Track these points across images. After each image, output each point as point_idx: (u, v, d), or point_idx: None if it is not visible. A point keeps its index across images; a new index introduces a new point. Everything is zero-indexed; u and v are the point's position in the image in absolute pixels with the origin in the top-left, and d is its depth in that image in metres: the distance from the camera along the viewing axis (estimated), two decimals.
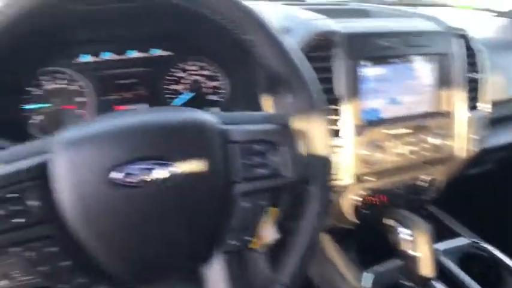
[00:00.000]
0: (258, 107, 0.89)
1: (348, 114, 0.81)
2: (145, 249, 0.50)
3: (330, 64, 0.80)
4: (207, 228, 0.52)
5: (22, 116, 0.84)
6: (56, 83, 0.86)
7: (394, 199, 0.95)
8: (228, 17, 0.51)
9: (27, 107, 0.84)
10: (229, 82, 0.96)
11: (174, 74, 0.93)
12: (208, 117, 0.52)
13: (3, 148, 0.47)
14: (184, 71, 0.94)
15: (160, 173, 0.47)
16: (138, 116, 0.50)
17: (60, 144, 0.46)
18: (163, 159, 0.47)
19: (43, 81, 0.85)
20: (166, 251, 0.51)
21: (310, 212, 0.56)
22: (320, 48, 0.80)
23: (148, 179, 0.46)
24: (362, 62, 0.82)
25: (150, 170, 0.46)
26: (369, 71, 0.84)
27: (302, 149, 0.54)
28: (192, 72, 0.94)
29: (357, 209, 0.95)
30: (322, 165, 0.55)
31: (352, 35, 0.82)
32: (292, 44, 0.54)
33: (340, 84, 0.80)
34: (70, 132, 0.48)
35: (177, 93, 0.94)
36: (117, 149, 0.46)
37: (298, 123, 0.54)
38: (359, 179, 0.87)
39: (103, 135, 0.46)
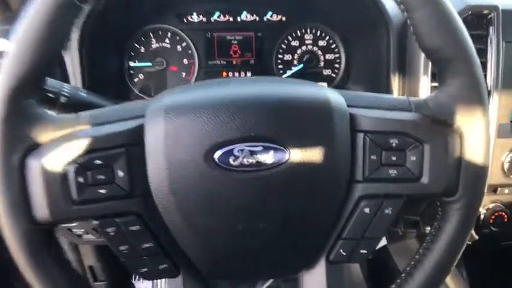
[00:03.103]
0: (378, 89, 0.77)
1: (493, 109, 0.68)
2: (241, 242, 0.42)
3: (486, 46, 0.65)
4: (318, 231, 0.43)
5: (128, 73, 0.82)
6: (163, 42, 0.82)
7: None
8: None
9: (132, 64, 0.82)
10: (346, 56, 0.85)
11: (288, 42, 0.84)
12: (337, 96, 0.42)
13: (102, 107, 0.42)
14: (298, 40, 0.84)
15: (271, 158, 0.38)
16: (254, 85, 0.42)
17: (157, 110, 0.39)
18: (278, 143, 0.38)
19: (150, 39, 0.82)
20: (265, 249, 0.43)
21: (450, 231, 0.43)
22: (474, 26, 0.65)
23: (256, 164, 0.38)
24: None
25: (260, 153, 0.38)
26: None
27: (453, 150, 0.41)
28: (307, 42, 0.84)
29: (481, 224, 0.80)
30: (477, 176, 0.42)
31: None
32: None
33: (493, 72, 0.66)
34: (170, 96, 0.41)
35: (289, 65, 0.85)
36: (224, 123, 0.38)
37: (451, 116, 0.41)
38: (493, 189, 0.74)
39: (209, 104, 0.39)
